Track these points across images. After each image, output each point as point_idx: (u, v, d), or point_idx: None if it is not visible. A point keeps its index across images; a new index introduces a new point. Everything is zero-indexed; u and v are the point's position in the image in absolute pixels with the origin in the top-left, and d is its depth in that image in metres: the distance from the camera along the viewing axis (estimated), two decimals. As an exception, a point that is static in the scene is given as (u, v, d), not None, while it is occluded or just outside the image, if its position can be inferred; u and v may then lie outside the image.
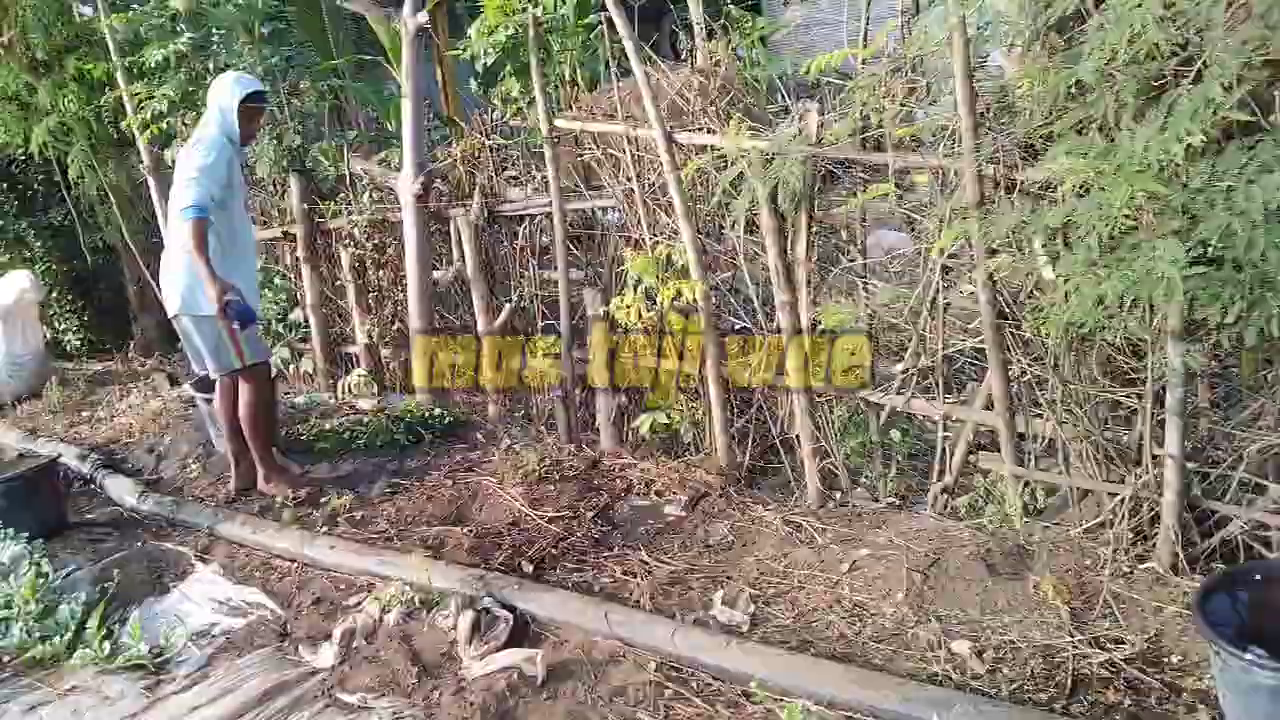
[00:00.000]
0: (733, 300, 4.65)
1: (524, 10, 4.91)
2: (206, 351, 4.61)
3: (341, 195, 6.21)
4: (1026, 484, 3.79)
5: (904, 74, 3.58)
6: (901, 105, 3.59)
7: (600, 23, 4.86)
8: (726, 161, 4.13)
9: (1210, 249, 2.61)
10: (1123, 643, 3.05)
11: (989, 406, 3.81)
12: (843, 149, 3.83)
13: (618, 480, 4.67)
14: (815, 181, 3.96)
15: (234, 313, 4.27)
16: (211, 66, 6.22)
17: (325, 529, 4.43)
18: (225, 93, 4.61)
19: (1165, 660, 2.98)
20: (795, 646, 3.25)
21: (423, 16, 5.53)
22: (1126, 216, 2.63)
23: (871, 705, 2.83)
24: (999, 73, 3.66)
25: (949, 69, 3.37)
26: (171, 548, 4.46)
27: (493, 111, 5.63)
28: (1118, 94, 2.66)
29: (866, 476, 4.30)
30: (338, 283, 6.42)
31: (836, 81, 4.14)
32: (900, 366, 4.11)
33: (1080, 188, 2.83)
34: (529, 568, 3.91)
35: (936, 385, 3.99)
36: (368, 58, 7.93)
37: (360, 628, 3.56)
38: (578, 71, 5.19)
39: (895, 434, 4.23)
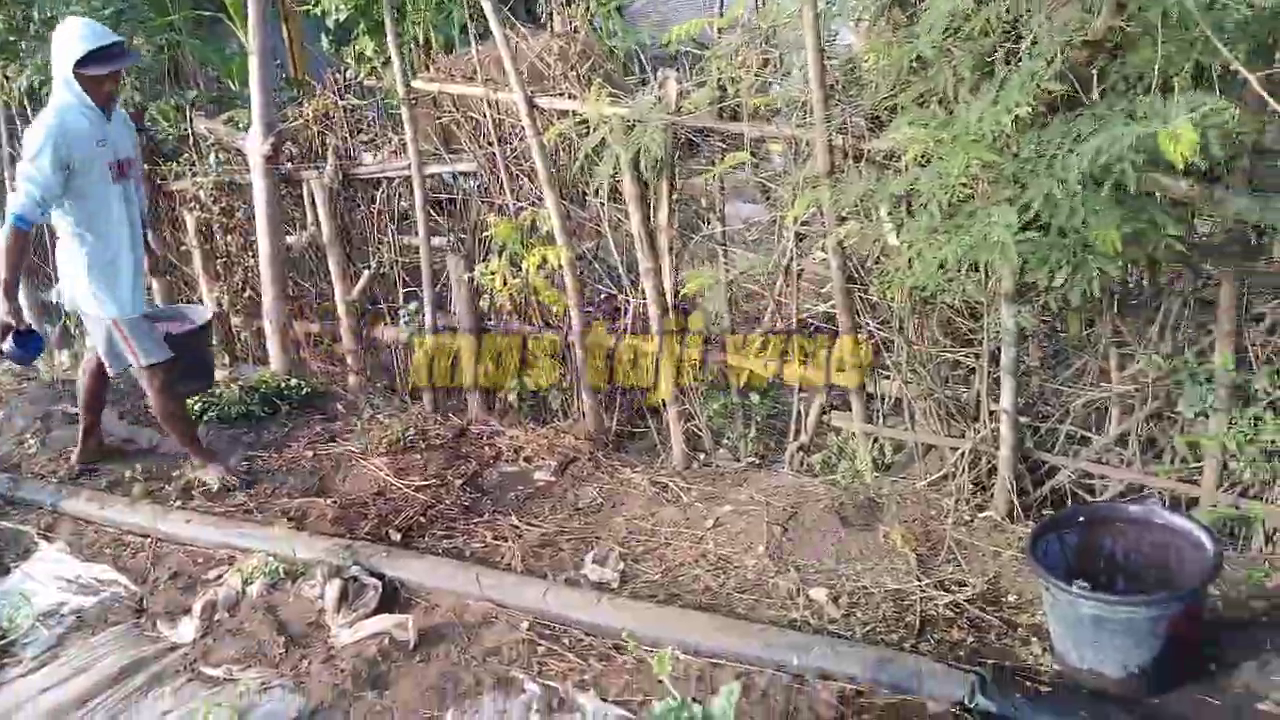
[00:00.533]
0: (598, 267, 4.70)
1: (377, -35, 4.78)
2: (101, 350, 4.23)
3: (185, 156, 5.92)
4: (876, 441, 4.00)
5: (759, 46, 3.68)
6: (756, 76, 3.69)
7: (456, -17, 4.79)
8: (589, 128, 4.16)
9: (1038, 215, 2.82)
10: (965, 585, 3.29)
11: (840, 368, 4.00)
12: (701, 117, 3.91)
13: (486, 448, 4.67)
14: (675, 149, 4.04)
15: (7, 353, 4.01)
16: (36, 15, 5.81)
17: (179, 503, 4.27)
18: (61, 53, 3.82)
19: (1003, 599, 3.23)
20: (664, 600, 3.37)
21: (270, -29, 5.31)
22: (964, 184, 2.81)
23: (736, 651, 2.96)
24: (847, 48, 3.80)
25: (801, 41, 3.48)
26: (10, 527, 4.21)
27: (346, 71, 5.47)
28: (955, 69, 2.83)
29: (728, 438, 4.45)
30: (182, 248, 6.13)
31: (695, 52, 4.22)
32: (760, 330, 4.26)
33: (922, 157, 3.00)
34: (397, 536, 3.89)
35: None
36: (207, 13, 7.53)
37: (222, 600, 3.48)
38: (431, 34, 5.10)
39: (754, 396, 4.38)
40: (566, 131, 4.30)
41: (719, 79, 3.83)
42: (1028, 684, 2.71)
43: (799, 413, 4.24)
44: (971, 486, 3.79)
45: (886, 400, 4.02)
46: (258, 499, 4.29)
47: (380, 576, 3.50)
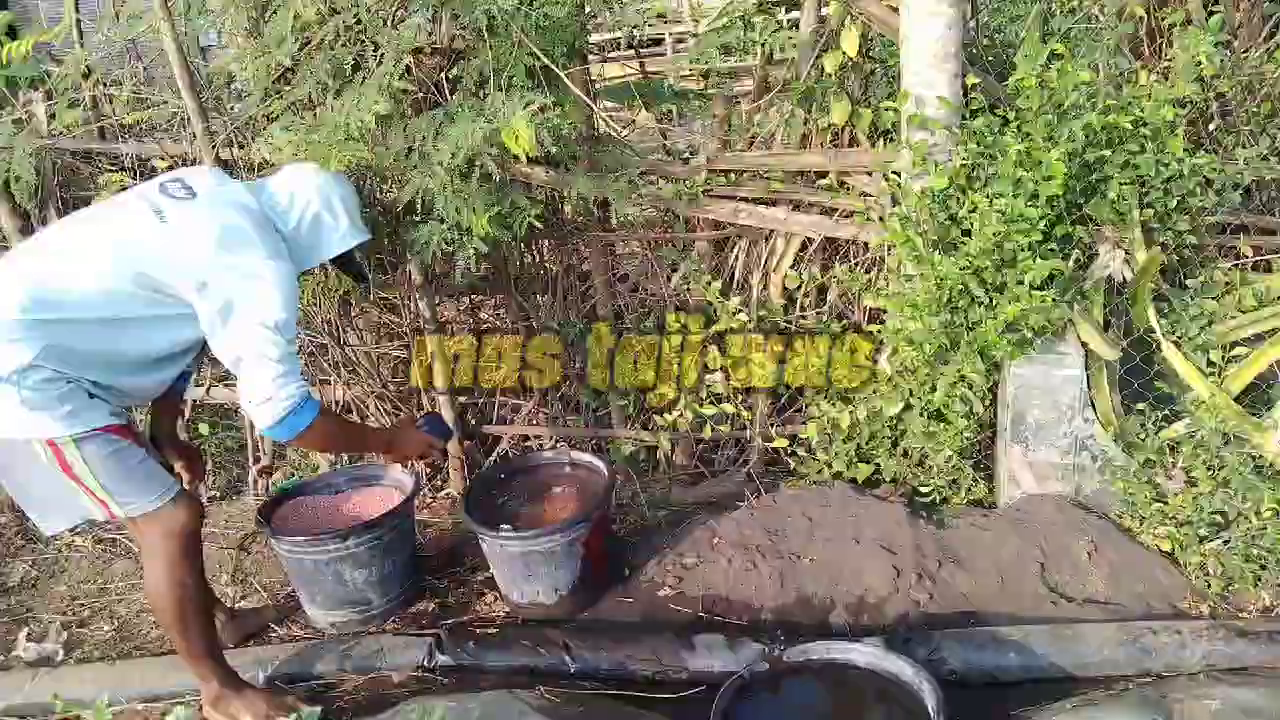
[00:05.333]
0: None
1: None
2: None
3: None
4: (331, 445, 4.04)
5: (128, 60, 3.51)
6: (133, 92, 3.52)
7: None
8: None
9: (433, 206, 3.05)
10: (430, 557, 3.47)
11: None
12: (81, 139, 3.65)
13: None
14: (57, 175, 3.72)
15: None
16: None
17: None
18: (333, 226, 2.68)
19: (461, 564, 3.46)
20: (117, 656, 3.14)
21: None
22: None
23: (194, 685, 2.84)
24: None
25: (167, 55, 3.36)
26: None
27: None
28: (318, 77, 2.95)
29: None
30: None
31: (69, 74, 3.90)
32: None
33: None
34: None
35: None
36: None
37: None
38: None
39: (204, 428, 4.20)
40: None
41: (92, 96, 3.59)
42: (479, 631, 2.95)
43: (255, 438, 4.14)
44: (429, 470, 4.00)
45: (339, 405, 4.08)
46: None
47: None
